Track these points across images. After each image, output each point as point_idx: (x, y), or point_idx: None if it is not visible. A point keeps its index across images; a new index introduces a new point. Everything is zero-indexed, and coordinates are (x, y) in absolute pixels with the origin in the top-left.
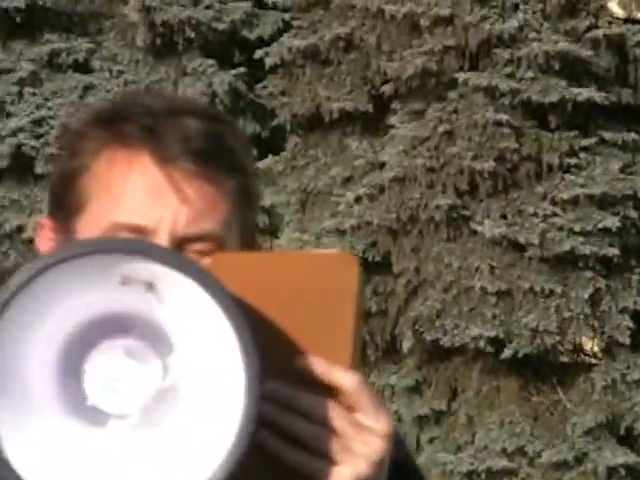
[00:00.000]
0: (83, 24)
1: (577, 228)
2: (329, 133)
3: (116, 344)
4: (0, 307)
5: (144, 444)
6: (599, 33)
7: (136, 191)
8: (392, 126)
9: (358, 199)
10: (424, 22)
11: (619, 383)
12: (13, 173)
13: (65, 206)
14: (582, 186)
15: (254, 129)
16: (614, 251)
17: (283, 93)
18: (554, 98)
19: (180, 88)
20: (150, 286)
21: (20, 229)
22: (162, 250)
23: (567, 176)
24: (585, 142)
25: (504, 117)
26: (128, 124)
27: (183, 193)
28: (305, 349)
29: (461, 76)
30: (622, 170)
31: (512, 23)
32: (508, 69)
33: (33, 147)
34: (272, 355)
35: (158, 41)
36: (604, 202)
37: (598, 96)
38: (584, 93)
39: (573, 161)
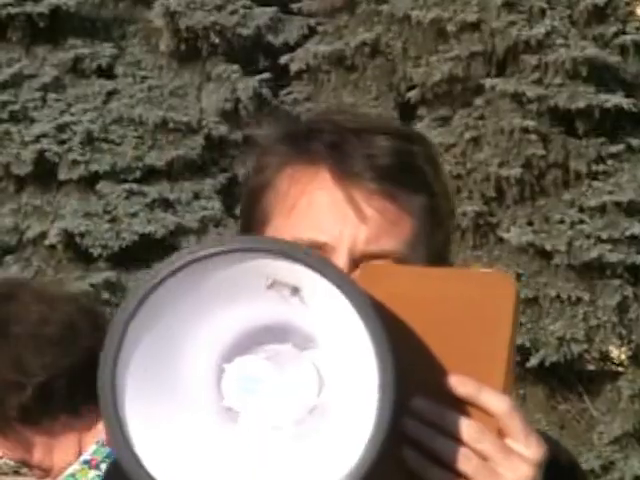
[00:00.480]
0: (107, 29)
1: (604, 236)
2: None
3: (266, 349)
4: (151, 288)
5: (284, 448)
6: (627, 39)
7: (316, 208)
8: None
9: None
10: (451, 28)
11: None
12: (36, 179)
13: (252, 221)
14: (609, 193)
15: None
16: None
17: (308, 99)
18: (581, 104)
19: (204, 94)
20: (295, 290)
21: (43, 235)
22: (306, 253)
23: (594, 183)
24: (613, 149)
25: (531, 123)
26: (313, 140)
27: (362, 211)
28: (454, 368)
29: (488, 82)
30: None
31: (539, 29)
32: (535, 75)
33: (56, 153)
34: (418, 371)
35: (182, 46)
36: (632, 209)
37: (626, 102)
38: (612, 99)
39: (601, 168)
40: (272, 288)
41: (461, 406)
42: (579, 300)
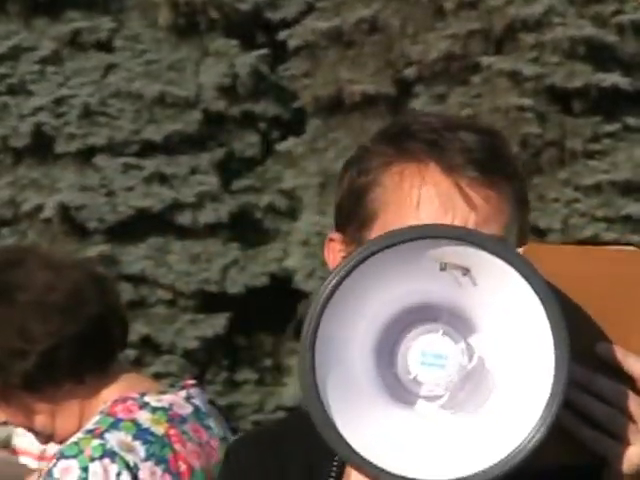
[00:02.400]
0: (106, 3)
1: (600, 214)
2: (351, 116)
3: (429, 328)
4: (329, 291)
5: (452, 424)
6: (625, 18)
7: (429, 199)
8: (415, 110)
9: None
10: (449, 5)
11: None
12: (33, 152)
13: (356, 219)
14: (605, 172)
15: (275, 111)
16: (636, 238)
17: (305, 75)
18: (578, 83)
19: (202, 69)
20: (466, 270)
21: (39, 208)
22: (480, 235)
23: (590, 162)
24: (609, 128)
25: (528, 102)
26: (413, 140)
27: (471, 200)
28: (607, 337)
29: (485, 60)
30: None
31: (537, 7)
32: (533, 54)
33: (54, 126)
34: (575, 340)
35: (181, 21)
36: (627, 188)
37: (623, 82)
38: (609, 79)
39: (597, 147)
40: (444, 270)
41: (610, 372)
42: None
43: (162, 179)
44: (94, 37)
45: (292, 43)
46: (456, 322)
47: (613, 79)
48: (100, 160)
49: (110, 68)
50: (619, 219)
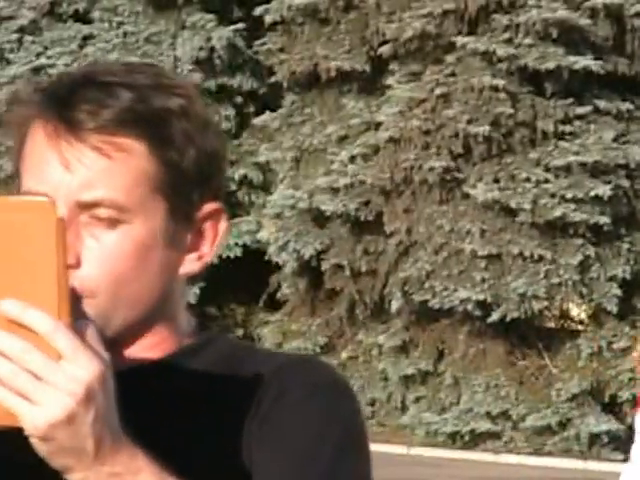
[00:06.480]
0: None
1: (569, 195)
2: (326, 92)
3: None
4: None
5: None
6: (598, 2)
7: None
8: (389, 87)
9: (352, 158)
10: None
11: (605, 351)
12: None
13: None
14: (575, 154)
15: (251, 85)
16: (605, 219)
17: (281, 50)
18: (551, 65)
19: (179, 42)
20: None
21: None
22: None
23: (561, 143)
24: (580, 110)
25: (500, 82)
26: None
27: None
28: (7, 293)
29: (459, 40)
30: (615, 139)
31: None
32: (506, 35)
33: None
34: None
35: None
36: (597, 170)
37: (594, 65)
38: (581, 61)
39: (567, 129)
40: None
41: (15, 328)
42: (541, 258)
43: None
44: (72, 8)
45: (268, 18)
46: None
47: (585, 62)
48: None
49: (88, 39)
50: (588, 200)
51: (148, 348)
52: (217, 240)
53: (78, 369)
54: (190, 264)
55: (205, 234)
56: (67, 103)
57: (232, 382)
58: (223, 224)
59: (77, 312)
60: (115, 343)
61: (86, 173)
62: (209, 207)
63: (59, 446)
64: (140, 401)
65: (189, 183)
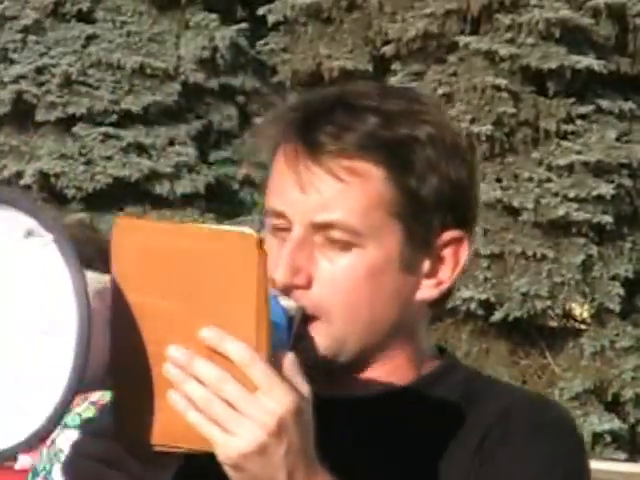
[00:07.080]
0: None
1: (571, 194)
2: None
3: None
4: None
5: None
6: (600, 2)
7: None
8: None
9: None
10: None
11: (608, 350)
12: (13, 120)
13: None
14: (578, 153)
15: (254, 85)
16: (607, 218)
17: (284, 50)
18: (553, 65)
19: (182, 41)
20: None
21: (19, 175)
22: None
23: (563, 142)
24: (582, 109)
25: (503, 82)
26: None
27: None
28: (208, 320)
29: (462, 40)
30: (618, 138)
31: None
32: (509, 34)
33: (34, 95)
34: (176, 321)
35: None
36: (599, 170)
37: (597, 64)
38: (583, 61)
39: (570, 128)
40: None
41: (213, 355)
42: (544, 257)
43: (140, 149)
44: (76, 8)
45: (271, 18)
46: None
47: (587, 61)
48: (80, 129)
49: (91, 39)
50: (590, 199)
51: (384, 375)
52: (458, 268)
53: (272, 402)
54: (428, 290)
55: (445, 260)
56: (311, 125)
57: (464, 414)
58: (465, 252)
59: (304, 334)
60: (349, 369)
61: (321, 196)
62: (450, 234)
63: (251, 476)
64: (390, 427)
65: (428, 210)
